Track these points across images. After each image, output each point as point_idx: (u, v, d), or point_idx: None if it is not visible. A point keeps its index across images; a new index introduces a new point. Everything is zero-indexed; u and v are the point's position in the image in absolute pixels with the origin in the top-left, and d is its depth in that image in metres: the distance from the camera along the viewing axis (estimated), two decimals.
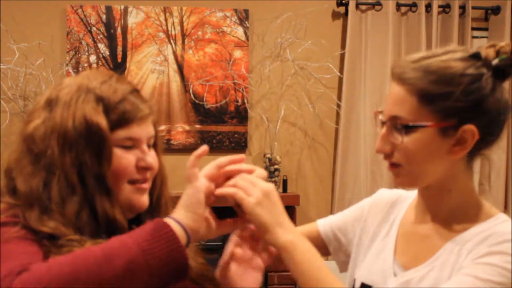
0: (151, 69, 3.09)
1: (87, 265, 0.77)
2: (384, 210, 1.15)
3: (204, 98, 3.12)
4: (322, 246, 1.21)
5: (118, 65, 3.07)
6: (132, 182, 0.96)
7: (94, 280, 0.76)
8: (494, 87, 0.93)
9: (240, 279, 1.04)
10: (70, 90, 0.94)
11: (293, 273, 0.92)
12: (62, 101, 0.93)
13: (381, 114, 1.00)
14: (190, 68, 3.12)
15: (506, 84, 0.97)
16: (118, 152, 0.94)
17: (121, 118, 0.93)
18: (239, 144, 3.16)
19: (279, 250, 0.92)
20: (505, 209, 3.30)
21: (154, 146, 1.01)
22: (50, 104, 0.94)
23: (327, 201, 3.27)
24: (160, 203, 1.04)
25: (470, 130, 0.93)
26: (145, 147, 0.97)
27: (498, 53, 0.94)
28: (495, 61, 0.93)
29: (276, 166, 3.10)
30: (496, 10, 3.32)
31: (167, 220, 0.86)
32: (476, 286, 0.86)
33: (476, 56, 0.94)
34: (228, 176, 0.95)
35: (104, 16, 3.06)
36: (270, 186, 0.93)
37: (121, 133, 0.93)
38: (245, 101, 3.13)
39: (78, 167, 0.90)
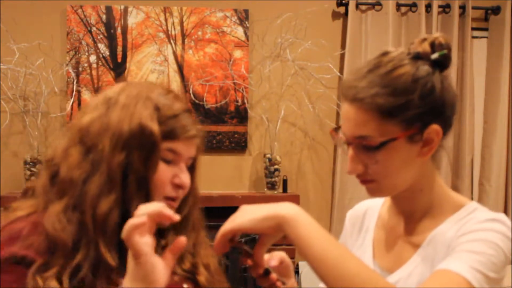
0: (151, 69, 3.09)
1: None
2: (358, 224, 1.17)
3: (204, 98, 3.12)
4: None
5: (118, 65, 3.07)
6: (167, 198, 0.98)
7: None
8: (442, 80, 0.95)
9: None
10: (130, 94, 0.97)
11: (298, 247, 0.84)
12: (121, 103, 0.96)
13: (339, 132, 1.00)
14: (190, 68, 3.12)
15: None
16: (161, 168, 0.96)
17: (169, 132, 0.95)
18: (239, 144, 3.16)
19: (281, 226, 0.85)
20: (505, 209, 3.30)
21: (191, 169, 1.03)
22: (108, 102, 0.97)
23: (327, 201, 3.27)
24: (188, 221, 1.05)
25: (435, 129, 0.95)
26: (183, 165, 0.99)
27: (432, 46, 0.95)
28: (434, 56, 0.95)
29: (276, 166, 3.09)
30: (496, 10, 3.32)
31: None
32: (473, 259, 0.87)
33: (417, 57, 0.95)
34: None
35: (104, 16, 3.06)
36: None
37: (166, 145, 0.95)
38: (245, 101, 3.13)
39: (124, 167, 0.92)
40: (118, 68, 3.06)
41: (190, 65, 3.12)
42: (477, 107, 3.31)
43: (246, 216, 0.86)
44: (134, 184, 0.93)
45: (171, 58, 3.10)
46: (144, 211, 0.81)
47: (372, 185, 1.00)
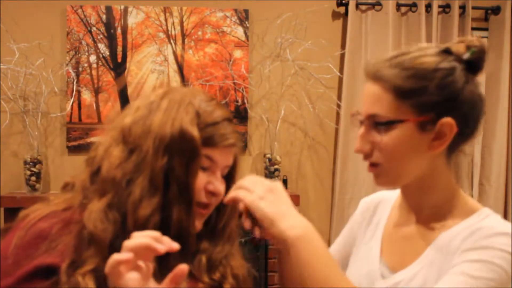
0: (151, 69, 3.09)
1: None
2: (369, 215, 1.16)
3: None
4: None
5: (118, 65, 3.07)
6: (200, 205, 0.97)
7: None
8: (467, 80, 0.95)
9: None
10: (173, 99, 0.97)
11: (299, 270, 0.86)
12: (164, 107, 0.96)
13: (358, 115, 1.00)
14: (190, 68, 3.12)
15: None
16: (199, 175, 0.96)
17: (208, 139, 0.95)
18: None
19: (285, 245, 0.86)
20: (505, 209, 3.30)
21: (229, 177, 1.03)
22: (151, 105, 0.97)
23: (327, 201, 3.27)
24: (224, 232, 1.05)
25: (448, 123, 0.93)
26: (218, 173, 0.99)
27: (468, 48, 0.96)
28: (466, 55, 0.95)
29: (276, 166, 3.10)
30: (496, 10, 3.32)
31: None
32: (469, 285, 0.86)
33: (447, 51, 0.96)
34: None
35: (104, 16, 3.06)
36: (276, 183, 0.92)
37: (203, 151, 0.95)
38: (245, 101, 3.13)
39: (166, 172, 0.92)
40: (118, 68, 3.06)
41: (190, 65, 3.12)
42: None
43: (267, 203, 0.88)
44: (176, 189, 0.92)
45: (171, 58, 3.11)
46: (129, 246, 0.77)
47: (377, 169, 0.99)
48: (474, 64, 0.96)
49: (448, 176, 1.00)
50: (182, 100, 0.97)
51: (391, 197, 1.14)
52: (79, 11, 3.04)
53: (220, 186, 0.98)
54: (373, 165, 0.99)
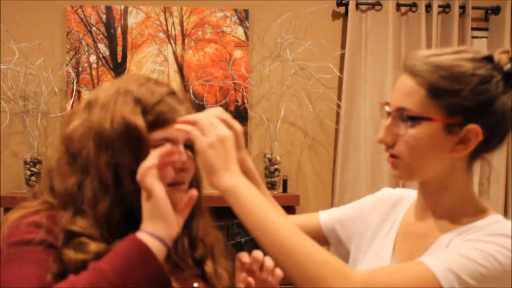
0: (151, 69, 3.09)
1: None
2: (385, 210, 1.15)
3: (204, 98, 3.12)
4: (323, 238, 1.23)
5: (118, 65, 3.07)
6: (171, 184, 0.97)
7: None
8: (504, 91, 0.95)
9: None
10: (109, 92, 0.96)
11: (240, 217, 0.90)
12: (100, 103, 0.95)
13: (387, 105, 1.00)
14: (190, 68, 3.12)
15: None
16: (136, 237, 0.94)
17: (158, 119, 0.94)
18: None
19: (224, 193, 0.91)
20: (505, 210, 3.30)
21: (192, 148, 1.02)
22: (89, 106, 0.96)
23: (327, 201, 3.27)
24: (195, 206, 1.04)
25: (475, 130, 0.94)
26: (181, 148, 0.98)
27: (511, 59, 0.95)
28: (507, 67, 0.95)
29: (276, 166, 3.10)
30: (496, 10, 3.32)
31: (143, 237, 0.85)
32: (459, 263, 0.86)
33: (488, 59, 0.96)
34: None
35: (104, 16, 3.06)
36: (228, 134, 0.93)
37: (158, 134, 0.94)
38: (245, 101, 3.13)
39: (114, 167, 0.91)
40: (118, 68, 3.06)
41: (190, 65, 3.12)
42: None
43: (214, 153, 0.91)
44: (129, 182, 0.92)
45: (171, 58, 3.11)
46: (154, 154, 0.88)
47: (396, 161, 0.99)
48: None
49: (466, 181, 1.01)
50: (118, 91, 0.96)
51: (410, 195, 1.14)
52: (79, 11, 3.04)
53: (187, 160, 0.97)
54: (393, 157, 1.00)
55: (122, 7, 3.06)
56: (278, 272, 1.05)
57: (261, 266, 1.05)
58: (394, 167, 1.01)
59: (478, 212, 1.00)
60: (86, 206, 0.91)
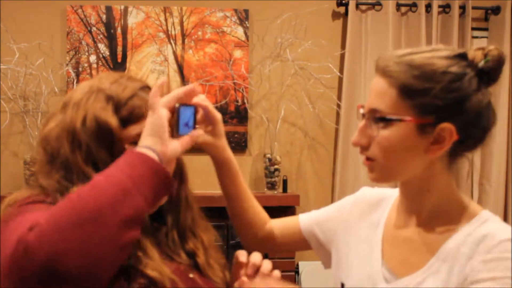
0: (151, 69, 3.09)
1: (83, 198, 0.78)
2: (366, 210, 1.14)
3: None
4: (304, 241, 1.23)
5: (118, 65, 3.07)
6: None
7: (93, 210, 0.77)
8: (478, 88, 0.92)
9: None
10: (82, 91, 0.98)
11: None
12: (73, 102, 0.97)
13: (362, 108, 0.99)
14: (190, 68, 3.12)
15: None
16: (131, 148, 0.95)
17: (132, 114, 0.95)
18: (239, 144, 3.16)
19: None
20: (505, 209, 3.30)
21: None
22: (65, 106, 0.98)
23: (327, 201, 3.26)
24: (180, 198, 1.06)
25: (448, 128, 0.92)
26: None
27: (485, 56, 0.93)
28: (481, 64, 0.92)
29: (276, 166, 3.09)
30: (496, 10, 3.32)
31: (139, 148, 0.87)
32: None
33: (462, 56, 0.93)
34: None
35: (104, 16, 3.06)
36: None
37: (134, 129, 0.96)
38: (245, 101, 3.13)
39: (93, 163, 0.93)
40: (118, 68, 3.06)
41: (190, 65, 3.12)
42: None
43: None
44: None
45: (171, 58, 3.11)
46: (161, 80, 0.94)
47: (372, 164, 0.98)
48: (488, 74, 0.93)
49: (447, 180, 0.99)
50: (91, 89, 0.97)
51: (391, 196, 1.12)
52: (79, 11, 3.04)
53: None
54: (368, 159, 0.98)
55: (122, 7, 3.06)
56: (276, 274, 1.05)
57: (258, 270, 1.05)
58: (370, 170, 1.00)
59: (464, 211, 0.98)
60: None
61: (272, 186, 3.10)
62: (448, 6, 3.26)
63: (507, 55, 3.25)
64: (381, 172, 0.98)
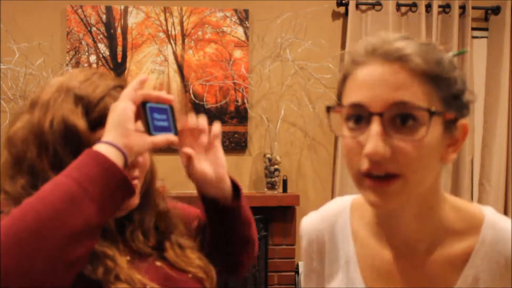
0: (151, 69, 3.09)
1: (25, 213, 0.73)
2: (323, 250, 0.92)
3: (204, 98, 3.12)
4: None
5: (118, 65, 3.07)
6: None
7: (33, 225, 0.72)
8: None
9: (208, 164, 1.00)
10: (50, 91, 0.92)
11: None
12: (41, 102, 0.91)
13: (361, 107, 0.72)
14: (190, 68, 3.12)
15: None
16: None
17: (103, 117, 0.88)
18: (239, 144, 3.16)
19: None
20: (505, 209, 3.29)
21: None
22: (33, 106, 0.92)
23: (327, 201, 3.24)
24: (149, 198, 1.02)
25: (464, 126, 0.76)
26: None
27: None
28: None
29: (276, 166, 3.09)
30: (496, 10, 3.32)
31: (96, 145, 0.82)
32: None
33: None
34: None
35: (104, 16, 3.06)
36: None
37: (103, 131, 0.89)
38: (245, 101, 3.13)
39: (59, 168, 0.85)
40: (118, 68, 3.06)
41: (190, 65, 3.12)
42: (477, 107, 3.31)
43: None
44: None
45: (171, 58, 3.10)
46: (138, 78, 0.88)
47: (394, 184, 0.72)
48: None
49: (441, 191, 0.81)
50: (60, 89, 0.91)
51: (340, 213, 0.91)
52: (79, 11, 3.04)
53: (140, 158, 0.93)
54: (388, 178, 0.71)
55: (122, 7, 3.06)
56: (215, 129, 1.00)
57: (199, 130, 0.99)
58: (392, 195, 0.72)
59: (469, 216, 0.81)
60: None
61: (272, 186, 3.10)
62: (448, 6, 3.26)
63: (507, 55, 3.27)
64: (404, 194, 0.73)
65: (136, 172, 0.95)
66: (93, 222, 0.76)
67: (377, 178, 0.71)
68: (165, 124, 0.91)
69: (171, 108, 0.94)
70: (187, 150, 0.97)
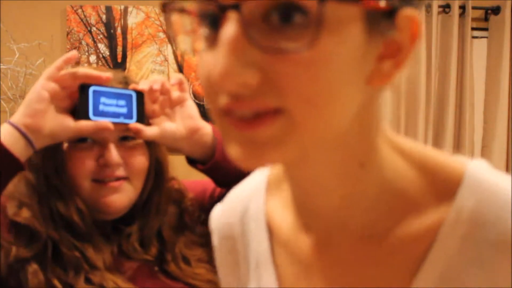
0: (151, 69, 3.10)
1: None
2: (232, 250, 0.64)
3: (204, 98, 3.12)
4: None
5: (118, 65, 3.07)
6: (97, 181, 0.92)
7: None
8: None
9: (176, 121, 0.97)
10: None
11: None
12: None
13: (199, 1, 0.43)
14: (190, 68, 3.12)
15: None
16: (74, 153, 0.90)
17: None
18: None
19: None
20: None
21: (150, 145, 0.96)
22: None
23: None
24: (151, 202, 0.99)
25: (411, 20, 0.46)
26: (110, 145, 0.91)
27: None
28: None
29: None
30: (496, 10, 3.32)
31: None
32: None
33: None
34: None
35: (104, 16, 3.06)
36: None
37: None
38: None
39: (35, 170, 0.88)
40: (118, 68, 3.06)
41: (190, 65, 3.12)
42: (477, 107, 3.31)
43: None
44: (44, 184, 0.89)
45: (171, 58, 3.11)
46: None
47: (271, 126, 0.42)
48: None
49: (384, 133, 0.50)
50: None
51: (253, 200, 0.62)
52: (79, 11, 3.04)
53: (111, 156, 0.90)
54: (261, 116, 0.41)
55: (122, 7, 3.06)
56: (173, 82, 0.98)
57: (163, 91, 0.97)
58: (274, 142, 0.42)
59: (436, 183, 0.49)
60: (26, 199, 0.90)
61: None
62: (448, 6, 3.25)
63: (507, 55, 3.27)
64: (291, 142, 0.42)
65: (120, 172, 0.92)
66: None
67: (243, 118, 0.42)
68: (120, 110, 0.87)
69: (139, 95, 0.90)
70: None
